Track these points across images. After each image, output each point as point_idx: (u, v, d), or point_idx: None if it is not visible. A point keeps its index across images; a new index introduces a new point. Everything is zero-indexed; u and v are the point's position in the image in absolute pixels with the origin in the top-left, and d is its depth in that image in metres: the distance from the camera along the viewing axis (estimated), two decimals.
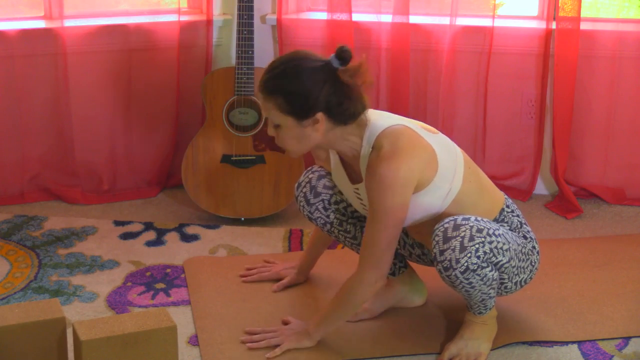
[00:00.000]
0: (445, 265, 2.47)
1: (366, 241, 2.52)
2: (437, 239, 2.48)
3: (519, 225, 2.69)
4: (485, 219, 2.54)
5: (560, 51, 3.68)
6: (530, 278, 2.73)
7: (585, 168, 3.88)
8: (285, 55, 2.52)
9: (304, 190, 2.79)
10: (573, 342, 2.74)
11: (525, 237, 2.68)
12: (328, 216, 2.79)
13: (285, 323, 2.79)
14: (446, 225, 2.48)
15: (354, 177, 2.64)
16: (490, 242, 2.49)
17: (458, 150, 2.63)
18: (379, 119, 2.54)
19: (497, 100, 3.84)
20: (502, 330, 2.74)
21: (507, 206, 2.71)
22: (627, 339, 2.76)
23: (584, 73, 3.75)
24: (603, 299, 2.99)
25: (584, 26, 3.67)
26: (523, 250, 2.65)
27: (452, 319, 2.84)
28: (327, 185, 2.78)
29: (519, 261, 2.63)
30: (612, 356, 2.67)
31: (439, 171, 2.52)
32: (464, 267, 2.45)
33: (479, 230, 2.47)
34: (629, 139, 3.82)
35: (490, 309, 2.63)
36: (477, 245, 2.46)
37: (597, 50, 3.72)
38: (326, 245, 3.00)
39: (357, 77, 2.44)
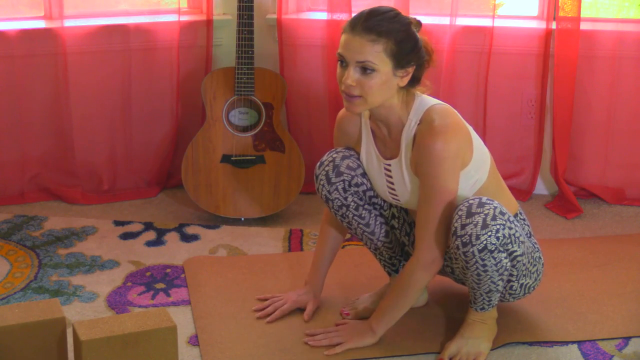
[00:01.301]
0: (464, 241, 2.47)
1: (421, 220, 2.54)
2: (460, 213, 2.48)
3: (529, 235, 2.71)
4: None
5: (560, 51, 3.68)
6: (534, 287, 2.74)
7: (585, 168, 3.88)
8: (381, 6, 2.51)
9: (327, 168, 2.73)
10: (573, 342, 2.74)
11: (533, 246, 2.69)
12: (346, 198, 2.74)
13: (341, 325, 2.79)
14: (471, 202, 2.49)
15: (385, 153, 2.65)
16: (510, 228, 2.50)
17: (485, 146, 2.68)
18: (425, 97, 2.60)
19: (497, 100, 3.84)
20: (502, 330, 2.74)
21: (521, 213, 2.74)
22: (627, 339, 2.76)
23: (584, 73, 3.75)
24: (603, 299, 2.99)
25: (584, 26, 3.67)
26: (533, 255, 2.66)
27: (452, 319, 2.84)
28: (350, 166, 2.72)
29: (529, 263, 2.64)
30: (612, 356, 2.67)
31: (473, 158, 2.56)
32: (482, 245, 2.46)
33: (502, 213, 2.49)
34: (629, 139, 3.82)
35: (492, 306, 2.64)
36: (498, 226, 2.47)
37: (597, 50, 3.72)
38: (331, 262, 2.93)
39: (429, 45, 2.56)
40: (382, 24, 2.44)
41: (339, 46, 2.49)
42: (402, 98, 2.56)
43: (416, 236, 2.58)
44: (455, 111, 2.60)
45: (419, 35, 2.52)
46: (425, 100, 2.58)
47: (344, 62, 2.47)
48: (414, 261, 2.58)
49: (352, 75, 2.46)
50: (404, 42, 2.47)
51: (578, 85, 3.75)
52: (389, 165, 2.63)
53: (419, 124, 2.54)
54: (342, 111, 2.76)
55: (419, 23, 2.54)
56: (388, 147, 2.64)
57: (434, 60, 2.57)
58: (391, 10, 2.50)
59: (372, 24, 2.44)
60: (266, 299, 2.95)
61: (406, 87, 2.55)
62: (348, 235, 2.90)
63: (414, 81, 2.55)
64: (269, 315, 2.86)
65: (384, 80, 2.47)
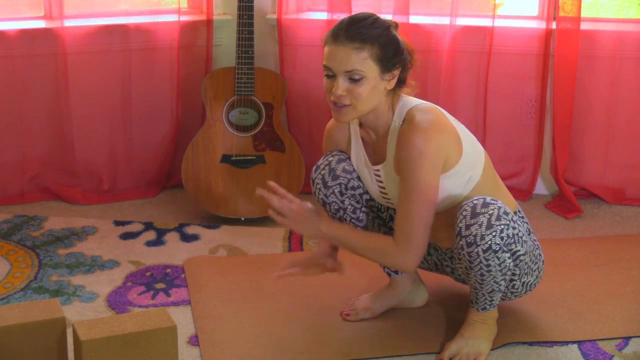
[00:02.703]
0: (469, 241, 2.47)
1: (399, 217, 2.53)
2: (464, 213, 2.49)
3: (528, 233, 2.71)
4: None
5: (560, 51, 3.68)
6: (535, 285, 2.74)
7: (585, 168, 3.88)
8: (356, 13, 2.51)
9: (323, 172, 2.74)
10: (573, 342, 2.74)
11: (533, 243, 2.69)
12: (343, 201, 2.74)
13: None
14: (475, 202, 2.49)
15: (375, 159, 2.65)
16: (514, 228, 2.51)
17: (479, 143, 2.68)
18: (410, 98, 2.60)
19: (497, 100, 3.84)
20: (502, 330, 2.74)
21: (519, 211, 2.73)
22: (627, 339, 2.76)
23: (584, 73, 3.75)
24: (603, 299, 2.99)
25: (584, 26, 3.67)
26: (534, 253, 2.67)
27: (453, 320, 2.84)
28: (346, 169, 2.73)
29: (530, 261, 2.65)
30: (612, 356, 2.67)
31: (462, 157, 2.55)
32: (487, 245, 2.46)
33: (506, 213, 2.50)
34: (629, 139, 3.82)
35: (494, 306, 2.64)
36: (502, 226, 2.47)
37: (597, 50, 3.72)
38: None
39: (409, 44, 2.56)
40: (364, 31, 2.44)
41: (323, 58, 2.49)
42: (388, 102, 2.56)
43: (395, 230, 2.55)
44: (440, 110, 2.59)
45: (399, 36, 2.53)
46: (409, 100, 2.58)
47: (331, 73, 2.47)
48: (393, 247, 2.54)
49: (342, 85, 2.46)
50: (388, 45, 2.47)
51: (578, 85, 3.75)
52: (377, 170, 2.64)
53: (402, 124, 2.54)
54: (331, 122, 2.77)
55: (396, 25, 2.54)
56: (377, 152, 2.64)
57: (415, 60, 2.57)
58: (370, 15, 2.50)
59: (354, 32, 2.44)
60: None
61: (392, 90, 2.55)
62: None
63: (400, 83, 2.56)
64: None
65: (372, 86, 2.47)
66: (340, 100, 2.47)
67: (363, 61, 2.44)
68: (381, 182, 2.65)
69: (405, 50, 2.53)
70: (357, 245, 2.62)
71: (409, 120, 2.52)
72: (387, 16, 3.75)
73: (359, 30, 2.44)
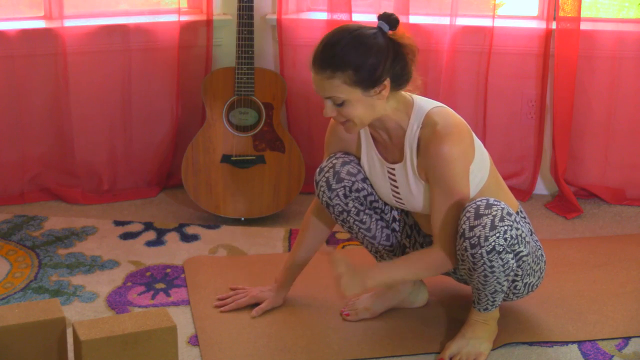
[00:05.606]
0: (473, 242, 2.47)
1: (438, 223, 2.53)
2: (467, 215, 2.48)
3: (530, 233, 2.70)
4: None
5: (560, 51, 3.68)
6: (537, 286, 2.74)
7: (585, 168, 3.88)
8: (335, 30, 2.46)
9: (327, 175, 2.72)
10: (573, 342, 2.74)
11: (535, 244, 2.69)
12: (347, 204, 2.73)
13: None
14: (478, 203, 2.49)
15: (387, 157, 2.64)
16: (517, 229, 2.51)
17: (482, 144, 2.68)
18: (422, 99, 2.58)
19: (497, 100, 3.84)
20: (502, 330, 2.74)
21: (521, 211, 2.73)
22: (627, 339, 2.76)
23: (584, 73, 3.75)
24: (603, 299, 2.99)
25: (584, 26, 3.67)
26: (536, 253, 2.67)
27: (453, 320, 2.84)
28: (350, 172, 2.71)
29: (533, 262, 2.65)
30: (612, 356, 2.68)
31: (476, 157, 2.55)
32: (490, 247, 2.46)
33: (509, 214, 2.49)
34: (629, 139, 3.82)
35: (496, 306, 2.64)
36: (506, 227, 2.47)
37: (597, 50, 3.72)
38: (306, 262, 2.92)
39: (406, 39, 2.49)
40: (333, 59, 2.40)
41: None
42: (394, 104, 2.53)
43: (437, 236, 2.55)
44: (453, 111, 2.59)
45: (388, 38, 2.45)
46: (423, 104, 2.56)
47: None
48: (442, 256, 2.55)
49: (329, 108, 2.47)
50: (362, 67, 2.40)
51: (578, 85, 3.75)
52: (393, 169, 2.63)
53: (421, 128, 2.53)
54: None
55: (390, 23, 2.47)
56: (390, 152, 2.63)
57: (414, 52, 2.49)
58: (346, 35, 2.42)
59: (324, 60, 2.41)
60: (236, 289, 3.00)
61: (396, 89, 2.50)
62: (347, 234, 2.90)
63: (402, 81, 2.50)
64: (226, 305, 2.94)
65: (360, 105, 2.45)
66: (336, 120, 2.50)
67: (337, 87, 2.41)
68: (395, 181, 2.64)
69: (400, 52, 2.46)
70: (408, 275, 2.65)
71: (430, 125, 2.50)
72: None
73: (330, 58, 2.40)
